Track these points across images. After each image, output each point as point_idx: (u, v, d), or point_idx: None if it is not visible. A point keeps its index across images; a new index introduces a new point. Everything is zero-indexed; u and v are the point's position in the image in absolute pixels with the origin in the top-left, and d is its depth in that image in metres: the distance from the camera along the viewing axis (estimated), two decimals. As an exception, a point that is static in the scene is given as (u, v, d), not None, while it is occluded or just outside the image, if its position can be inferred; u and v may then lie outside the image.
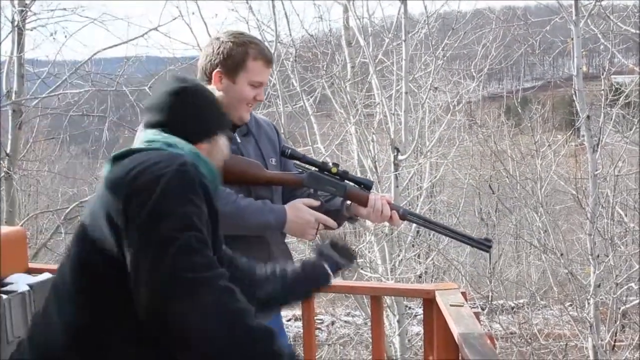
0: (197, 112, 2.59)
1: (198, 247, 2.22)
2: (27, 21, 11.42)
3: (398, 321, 11.84)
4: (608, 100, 12.33)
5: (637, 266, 12.50)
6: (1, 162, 11.26)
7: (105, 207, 2.31)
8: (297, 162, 3.52)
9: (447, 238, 18.75)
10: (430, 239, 16.91)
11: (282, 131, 12.33)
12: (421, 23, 12.89)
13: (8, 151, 11.31)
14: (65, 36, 12.02)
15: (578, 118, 12.10)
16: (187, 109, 2.57)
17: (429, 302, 4.22)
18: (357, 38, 12.46)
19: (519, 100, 17.46)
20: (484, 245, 3.71)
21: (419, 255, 15.60)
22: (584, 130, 11.42)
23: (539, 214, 13.73)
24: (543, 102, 20.19)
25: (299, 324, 22.47)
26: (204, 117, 2.61)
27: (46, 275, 4.48)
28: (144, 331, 2.21)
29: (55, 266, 3.46)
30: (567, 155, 16.77)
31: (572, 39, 11.16)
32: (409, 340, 13.51)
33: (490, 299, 17.29)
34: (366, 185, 3.58)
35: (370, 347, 4.75)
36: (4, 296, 4.21)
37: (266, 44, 12.38)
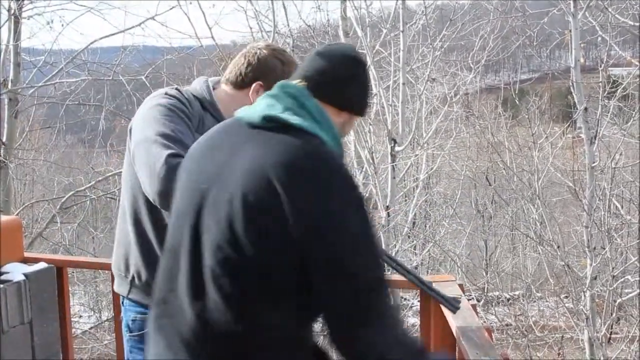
0: (357, 82, 2.61)
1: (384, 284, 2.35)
2: (23, 9, 11.37)
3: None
4: (606, 92, 12.31)
5: (634, 259, 12.53)
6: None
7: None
8: None
9: (444, 230, 18.84)
10: (427, 231, 16.93)
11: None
12: (419, 14, 12.86)
13: (4, 140, 11.28)
14: (62, 25, 11.98)
15: (575, 110, 12.09)
16: (350, 76, 2.57)
17: (426, 294, 4.20)
18: (355, 29, 12.42)
19: (516, 92, 17.39)
20: (452, 305, 3.59)
21: (415, 247, 15.59)
22: (582, 122, 11.42)
23: (536, 206, 13.73)
24: (540, 94, 20.20)
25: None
26: (360, 90, 2.62)
27: (42, 265, 4.46)
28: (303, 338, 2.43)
29: (51, 256, 3.48)
30: (564, 147, 16.77)
31: (570, 30, 11.15)
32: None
33: (485, 291, 17.33)
34: None
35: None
36: (0, 285, 4.19)
37: (264, 34, 12.35)
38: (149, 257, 3.19)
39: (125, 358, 3.35)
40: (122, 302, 3.33)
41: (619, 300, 12.98)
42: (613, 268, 12.51)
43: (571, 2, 11.06)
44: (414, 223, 14.05)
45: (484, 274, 19.13)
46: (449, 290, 3.97)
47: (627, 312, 14.78)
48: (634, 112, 14.05)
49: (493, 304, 17.34)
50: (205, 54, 13.33)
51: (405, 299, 15.23)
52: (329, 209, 2.26)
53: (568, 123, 15.21)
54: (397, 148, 11.82)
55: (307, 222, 2.24)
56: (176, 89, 3.30)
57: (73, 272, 13.00)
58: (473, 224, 21.63)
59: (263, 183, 2.25)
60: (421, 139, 13.67)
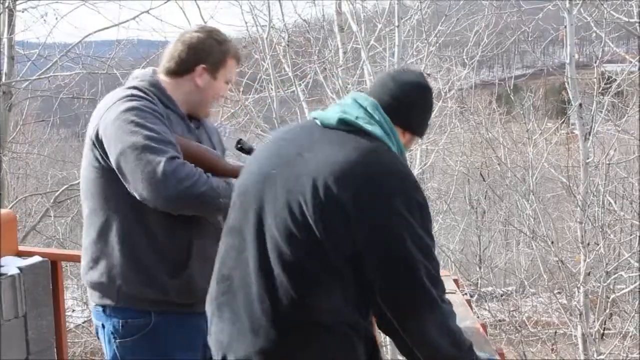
0: (424, 108, 2.91)
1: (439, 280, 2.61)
2: (17, 2, 11.35)
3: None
4: (600, 88, 12.33)
5: (627, 255, 12.55)
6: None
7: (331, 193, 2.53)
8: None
9: (437, 225, 18.85)
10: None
11: (274, 116, 12.32)
12: (414, 9, 12.84)
13: (-3, 133, 11.27)
14: (56, 18, 11.98)
15: (569, 106, 12.11)
16: (418, 102, 2.88)
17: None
18: (350, 23, 12.41)
19: (511, 88, 17.40)
20: None
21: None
22: (576, 118, 11.44)
23: (530, 202, 13.75)
24: (534, 90, 20.22)
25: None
26: (424, 114, 2.93)
27: (36, 259, 4.46)
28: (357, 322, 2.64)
29: (45, 249, 3.48)
30: (558, 143, 16.78)
31: (565, 26, 11.15)
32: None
33: (478, 286, 17.35)
34: None
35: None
36: (-6, 279, 4.19)
37: (259, 29, 12.34)
38: (139, 265, 3.18)
39: None
40: (100, 310, 3.26)
41: (612, 296, 13.00)
42: (607, 264, 12.53)
43: (566, -2, 11.08)
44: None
45: (478, 269, 19.15)
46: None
47: (621, 308, 14.80)
48: (628, 109, 14.08)
49: (487, 299, 17.34)
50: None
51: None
52: (394, 208, 2.52)
53: (563, 119, 15.20)
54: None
55: (371, 218, 2.51)
56: (136, 87, 3.26)
57: (67, 266, 12.99)
58: (467, 220, 21.67)
59: (335, 176, 2.51)
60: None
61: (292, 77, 12.41)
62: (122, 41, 12.15)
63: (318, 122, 2.75)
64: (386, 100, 2.79)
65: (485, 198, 24.01)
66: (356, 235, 2.51)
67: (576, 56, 11.73)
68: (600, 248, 12.06)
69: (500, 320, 16.07)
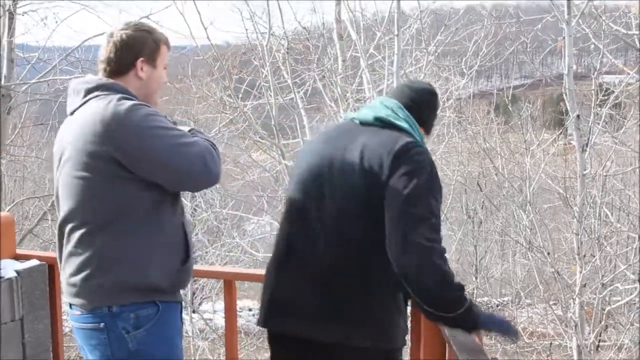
0: (433, 108, 3.77)
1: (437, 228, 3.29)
2: (18, 5, 11.35)
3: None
4: (598, 100, 12.34)
5: (622, 267, 12.55)
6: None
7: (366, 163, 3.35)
8: None
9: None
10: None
11: (273, 123, 12.33)
12: (413, 18, 12.86)
13: (-4, 136, 11.27)
14: (56, 22, 11.96)
15: (567, 117, 12.11)
16: (433, 107, 3.77)
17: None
18: (349, 32, 12.41)
19: (509, 98, 17.42)
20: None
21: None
22: (574, 129, 11.43)
23: (527, 212, 13.75)
24: (532, 100, 20.22)
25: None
26: (433, 114, 3.78)
27: (34, 262, 4.46)
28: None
29: (43, 253, 3.51)
30: (555, 154, 16.79)
31: (564, 38, 11.16)
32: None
33: (474, 296, 17.32)
34: None
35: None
36: (-9, 282, 4.19)
37: (259, 35, 12.34)
38: (155, 261, 3.32)
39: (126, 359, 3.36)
40: (104, 311, 3.30)
41: (608, 308, 13.00)
42: (603, 276, 12.53)
43: (565, 9, 11.08)
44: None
45: (474, 279, 19.13)
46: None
47: (616, 320, 14.80)
48: (625, 120, 14.09)
49: (483, 309, 17.36)
50: (200, 54, 13.32)
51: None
52: (419, 184, 3.25)
53: (560, 131, 15.21)
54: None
55: (400, 190, 3.25)
56: (124, 97, 3.31)
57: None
58: (463, 229, 21.64)
59: (376, 159, 3.32)
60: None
61: (291, 84, 12.42)
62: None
63: (357, 120, 3.58)
64: (406, 102, 3.60)
65: (482, 208, 24.01)
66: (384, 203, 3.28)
67: (574, 67, 11.74)
68: (596, 260, 12.06)
69: (494, 331, 16.02)
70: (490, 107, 20.70)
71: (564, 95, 11.57)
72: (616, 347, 13.79)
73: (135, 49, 3.42)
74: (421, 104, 3.65)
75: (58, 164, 3.38)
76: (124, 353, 3.31)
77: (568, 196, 12.55)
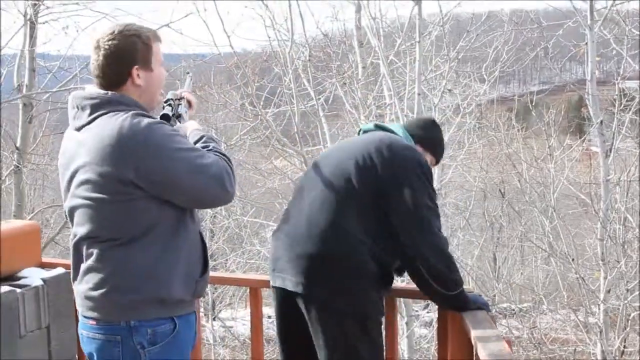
0: (438, 135, 4.49)
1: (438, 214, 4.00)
2: (39, 15, 11.40)
3: (406, 323, 11.80)
4: (622, 105, 12.27)
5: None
6: (12, 155, 11.25)
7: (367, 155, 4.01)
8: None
9: (456, 239, 18.79)
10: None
11: (295, 130, 12.33)
12: (434, 24, 12.83)
13: (18, 145, 11.31)
14: (77, 31, 11.96)
15: (588, 122, 12.04)
16: (434, 130, 4.48)
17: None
18: (369, 38, 12.39)
19: (533, 104, 17.33)
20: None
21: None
22: (597, 135, 11.35)
23: (550, 218, 13.68)
24: (555, 106, 20.12)
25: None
26: (438, 140, 4.48)
27: (59, 270, 4.46)
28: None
29: (68, 261, 3.49)
30: (576, 160, 16.70)
31: (587, 43, 11.09)
32: (415, 342, 13.48)
33: (494, 302, 17.25)
34: None
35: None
36: (17, 290, 4.19)
37: (276, 43, 12.32)
38: (179, 274, 3.34)
39: None
40: (122, 325, 3.28)
41: (633, 314, 12.90)
42: (628, 281, 12.44)
43: (588, 14, 11.01)
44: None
45: (496, 284, 19.02)
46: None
47: (640, 325, 14.68)
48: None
49: (507, 315, 17.28)
50: (223, 62, 13.31)
51: (415, 311, 15.18)
52: (409, 180, 3.91)
53: (584, 137, 15.09)
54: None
55: (389, 180, 3.92)
56: (137, 113, 3.26)
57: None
58: (485, 235, 21.57)
59: (370, 151, 3.98)
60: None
61: (311, 92, 12.40)
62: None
63: (361, 132, 4.41)
64: (412, 127, 4.41)
65: (502, 214, 23.91)
66: (376, 187, 3.93)
67: (597, 73, 11.66)
68: (621, 265, 11.98)
69: (517, 337, 15.98)
70: (511, 113, 20.55)
71: (586, 100, 11.49)
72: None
73: (127, 59, 3.33)
74: (426, 127, 4.44)
75: (70, 182, 3.34)
76: None
77: (591, 202, 12.47)
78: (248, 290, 4.82)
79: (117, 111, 3.24)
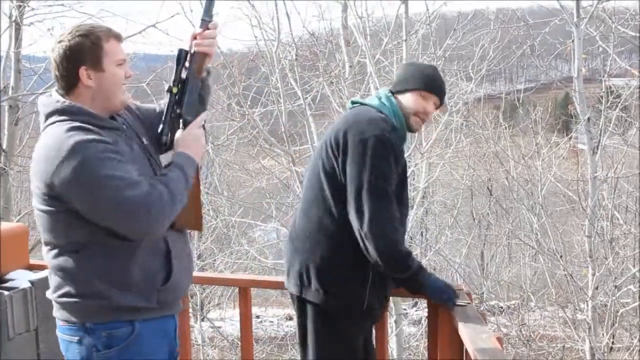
0: (425, 75, 4.20)
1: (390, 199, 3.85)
2: (24, 16, 11.34)
3: (395, 322, 11.81)
4: (609, 102, 12.30)
5: (634, 269, 12.49)
6: (-3, 158, 11.21)
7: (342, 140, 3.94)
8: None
9: (444, 237, 18.81)
10: (426, 241, 16.85)
11: (282, 130, 12.31)
12: (420, 23, 12.83)
13: (4, 147, 11.26)
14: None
15: (575, 120, 12.06)
16: (416, 73, 4.21)
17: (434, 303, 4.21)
18: (356, 37, 12.39)
19: (519, 101, 17.36)
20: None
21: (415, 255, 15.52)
22: (584, 132, 11.38)
23: (537, 216, 13.70)
24: (541, 104, 20.16)
25: (292, 322, 22.44)
26: (425, 80, 4.17)
27: (47, 272, 4.43)
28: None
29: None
30: (563, 157, 16.75)
31: (573, 41, 11.11)
32: (404, 340, 13.50)
33: (482, 300, 17.28)
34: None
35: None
36: (5, 292, 4.17)
37: (262, 42, 12.29)
38: (132, 281, 3.28)
39: None
40: (78, 326, 3.28)
41: (621, 310, 12.94)
42: (615, 278, 12.48)
43: (574, 12, 11.03)
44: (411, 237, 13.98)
45: (483, 282, 19.06)
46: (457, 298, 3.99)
47: (629, 321, 14.74)
48: (634, 122, 14.03)
49: (495, 313, 17.32)
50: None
51: (404, 309, 15.20)
52: (352, 158, 3.85)
53: (571, 134, 15.12)
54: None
55: (350, 157, 3.85)
56: (74, 127, 3.16)
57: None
58: (472, 233, 21.61)
59: (340, 132, 3.92)
60: (421, 148, 13.61)
61: (298, 91, 12.39)
62: (129, 55, 12.12)
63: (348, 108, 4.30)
64: (396, 83, 4.22)
65: (490, 211, 23.97)
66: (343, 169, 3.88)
67: (583, 70, 11.68)
68: (609, 262, 12.01)
69: (505, 334, 16.02)
70: (499, 111, 20.60)
71: (573, 98, 11.51)
72: (632, 349, 13.75)
73: (74, 59, 3.25)
74: (406, 71, 4.27)
75: None
76: None
77: (579, 199, 12.51)
78: (237, 290, 4.80)
79: (62, 121, 3.19)
